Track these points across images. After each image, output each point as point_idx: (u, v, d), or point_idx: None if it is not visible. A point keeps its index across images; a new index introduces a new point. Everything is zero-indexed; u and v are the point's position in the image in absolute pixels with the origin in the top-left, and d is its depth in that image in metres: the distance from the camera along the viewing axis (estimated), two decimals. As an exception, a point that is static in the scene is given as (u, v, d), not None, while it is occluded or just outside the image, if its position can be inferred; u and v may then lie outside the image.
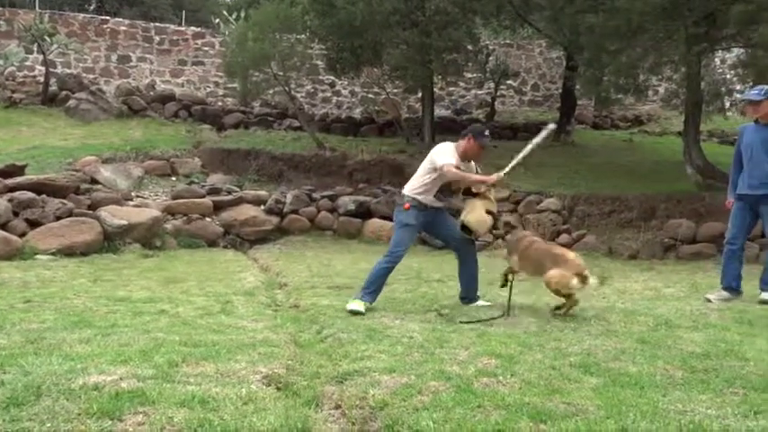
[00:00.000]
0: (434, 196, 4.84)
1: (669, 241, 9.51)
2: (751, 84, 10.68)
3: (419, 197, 4.82)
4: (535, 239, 4.93)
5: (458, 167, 4.71)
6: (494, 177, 4.73)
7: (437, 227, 5.02)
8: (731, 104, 12.46)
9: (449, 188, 4.90)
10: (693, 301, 5.32)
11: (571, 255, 4.62)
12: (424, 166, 4.90)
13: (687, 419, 2.33)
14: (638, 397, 2.60)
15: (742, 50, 11.31)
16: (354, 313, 4.51)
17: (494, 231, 4.63)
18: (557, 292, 4.46)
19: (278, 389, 2.81)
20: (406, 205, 4.82)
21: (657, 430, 2.21)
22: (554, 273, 4.38)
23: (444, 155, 4.74)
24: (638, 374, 2.94)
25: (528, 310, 4.67)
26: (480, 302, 4.93)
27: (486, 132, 4.94)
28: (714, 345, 3.56)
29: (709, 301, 5.30)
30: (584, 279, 4.36)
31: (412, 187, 4.89)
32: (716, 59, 14.80)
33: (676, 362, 3.18)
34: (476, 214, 4.74)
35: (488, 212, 4.78)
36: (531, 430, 2.23)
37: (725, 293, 5.39)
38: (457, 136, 5.06)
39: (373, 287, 4.76)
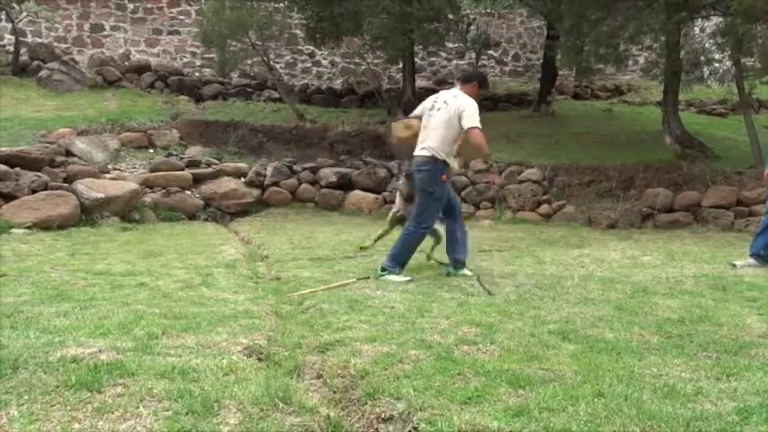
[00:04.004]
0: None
1: (647, 210, 9.63)
2: (729, 52, 10.73)
3: (450, 161, 4.48)
4: None
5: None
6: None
7: None
8: (710, 74, 12.53)
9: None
10: (669, 268, 5.41)
11: None
12: (451, 121, 4.34)
13: (662, 383, 2.39)
14: (614, 362, 2.64)
15: (721, 19, 11.33)
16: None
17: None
18: None
19: (259, 359, 2.81)
20: (444, 177, 4.43)
21: (633, 393, 2.25)
22: None
23: (476, 115, 4.29)
24: (614, 340, 2.99)
25: (508, 279, 4.72)
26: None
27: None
28: (689, 311, 3.63)
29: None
30: None
31: (440, 148, 4.39)
32: (695, 28, 14.81)
33: (652, 328, 3.24)
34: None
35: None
36: (509, 396, 2.27)
37: (752, 260, 5.48)
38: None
39: (401, 259, 4.71)
